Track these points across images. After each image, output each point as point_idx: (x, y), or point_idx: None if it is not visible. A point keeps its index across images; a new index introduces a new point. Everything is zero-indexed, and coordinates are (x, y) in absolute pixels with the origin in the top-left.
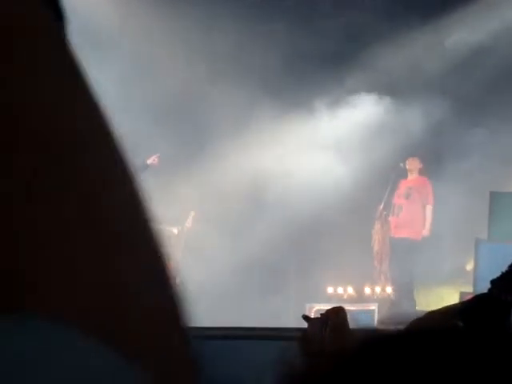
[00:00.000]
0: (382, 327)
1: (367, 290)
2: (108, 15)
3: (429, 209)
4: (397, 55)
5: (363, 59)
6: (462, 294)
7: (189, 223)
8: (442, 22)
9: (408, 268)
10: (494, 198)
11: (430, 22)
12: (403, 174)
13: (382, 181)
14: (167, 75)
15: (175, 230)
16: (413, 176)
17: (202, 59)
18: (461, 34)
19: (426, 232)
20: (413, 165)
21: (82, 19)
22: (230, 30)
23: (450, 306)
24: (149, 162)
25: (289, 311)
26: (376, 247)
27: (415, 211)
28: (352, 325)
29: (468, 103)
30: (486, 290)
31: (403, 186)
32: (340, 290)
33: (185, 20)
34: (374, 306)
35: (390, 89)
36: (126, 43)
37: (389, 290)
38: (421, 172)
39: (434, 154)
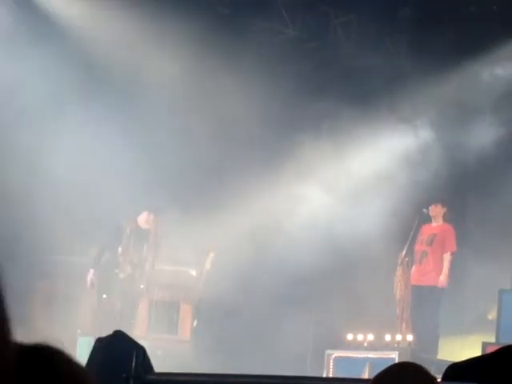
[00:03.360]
0: None
1: (387, 338)
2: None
3: (447, 257)
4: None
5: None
6: (484, 344)
7: (208, 265)
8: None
9: (430, 316)
10: None
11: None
12: (427, 219)
13: (406, 227)
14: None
15: (194, 272)
16: (437, 222)
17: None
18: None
19: (443, 280)
20: (435, 211)
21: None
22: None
23: (476, 357)
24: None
25: (307, 357)
26: (398, 294)
27: (438, 259)
28: (371, 373)
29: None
30: (509, 340)
31: (426, 233)
32: (360, 337)
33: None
34: (394, 355)
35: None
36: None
37: (410, 337)
38: (445, 218)
39: (459, 200)
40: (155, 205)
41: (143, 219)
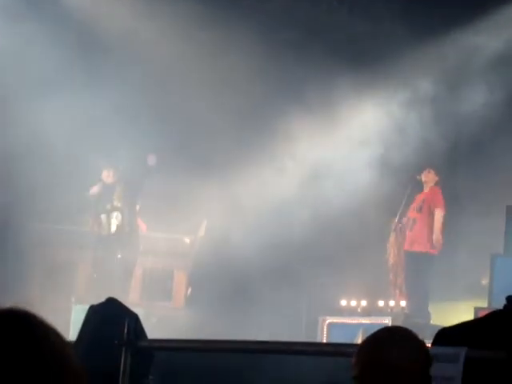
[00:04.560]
0: None
1: (381, 303)
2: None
3: (438, 213)
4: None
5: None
6: (476, 309)
7: (201, 232)
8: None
9: (423, 282)
10: (510, 211)
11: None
12: (419, 186)
13: (400, 193)
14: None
15: (187, 239)
16: (428, 189)
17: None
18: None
19: (435, 239)
20: (429, 177)
21: None
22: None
23: (466, 322)
24: (149, 162)
25: (301, 323)
26: (391, 260)
27: (428, 224)
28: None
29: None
30: (501, 305)
31: (418, 199)
32: (353, 303)
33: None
34: (387, 320)
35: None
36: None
37: (403, 303)
38: (436, 184)
39: (451, 166)
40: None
41: (104, 175)
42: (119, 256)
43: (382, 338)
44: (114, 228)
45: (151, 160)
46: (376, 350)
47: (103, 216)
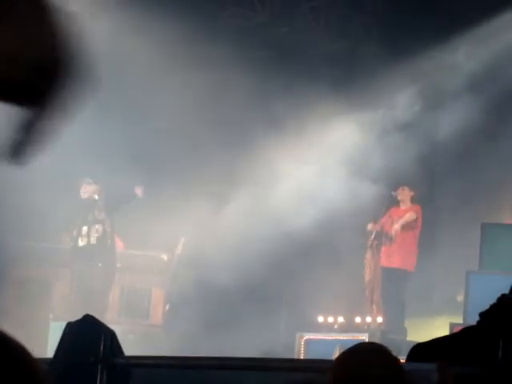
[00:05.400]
0: None
1: (358, 320)
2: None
3: (414, 232)
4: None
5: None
6: (451, 325)
7: (179, 249)
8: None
9: (399, 298)
10: (485, 229)
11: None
12: (395, 202)
13: (376, 210)
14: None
15: (165, 257)
16: (405, 205)
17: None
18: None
19: (394, 229)
20: (403, 194)
21: None
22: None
23: (439, 338)
24: (136, 191)
25: (278, 340)
26: (367, 276)
27: (406, 241)
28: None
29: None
30: (475, 322)
31: (395, 215)
32: (330, 320)
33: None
34: (364, 336)
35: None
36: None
37: (379, 319)
38: (413, 201)
39: (428, 182)
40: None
41: (84, 190)
42: (100, 265)
43: (357, 354)
44: (93, 240)
45: (139, 191)
46: (351, 365)
47: (85, 228)
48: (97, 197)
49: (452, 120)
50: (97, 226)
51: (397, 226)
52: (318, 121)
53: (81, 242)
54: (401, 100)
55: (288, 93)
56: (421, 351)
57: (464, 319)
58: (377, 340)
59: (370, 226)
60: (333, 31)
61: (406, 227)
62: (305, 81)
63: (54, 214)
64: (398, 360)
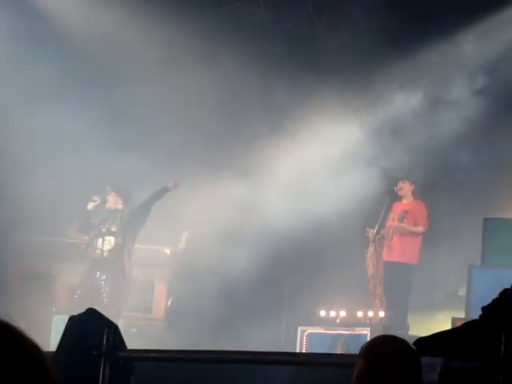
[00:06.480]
0: None
1: (360, 314)
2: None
3: (419, 228)
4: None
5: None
6: (453, 320)
7: (182, 243)
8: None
9: (402, 293)
10: (488, 223)
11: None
12: (397, 197)
13: (379, 204)
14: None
15: (168, 251)
16: (407, 199)
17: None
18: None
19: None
20: (404, 188)
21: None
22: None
23: (442, 332)
24: (169, 185)
25: (280, 334)
26: (370, 271)
27: (409, 235)
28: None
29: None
30: (478, 316)
31: (397, 210)
32: (332, 314)
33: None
34: (366, 331)
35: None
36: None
37: (381, 314)
38: (414, 195)
39: (429, 176)
40: (120, 184)
41: (110, 200)
42: (105, 277)
43: (384, 347)
44: (106, 253)
45: (173, 184)
46: (382, 356)
47: (100, 240)
48: (120, 207)
49: (454, 114)
50: (109, 238)
51: (401, 225)
52: (321, 116)
53: (99, 252)
54: (403, 95)
55: (291, 88)
56: (423, 345)
57: (466, 314)
58: (379, 335)
59: (368, 230)
60: (336, 26)
61: (409, 234)
62: (308, 76)
63: (57, 207)
64: (419, 355)
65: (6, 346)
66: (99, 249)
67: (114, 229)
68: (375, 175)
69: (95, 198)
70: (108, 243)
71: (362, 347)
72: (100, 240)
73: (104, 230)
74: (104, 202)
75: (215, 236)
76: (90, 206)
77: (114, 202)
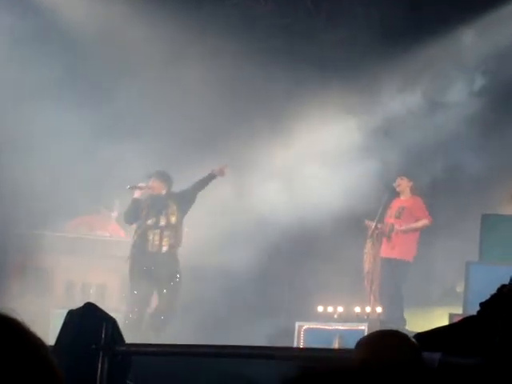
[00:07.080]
0: None
1: (357, 310)
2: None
3: (422, 222)
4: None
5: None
6: (451, 316)
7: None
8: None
9: (398, 289)
10: (486, 219)
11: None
12: (395, 193)
13: (377, 201)
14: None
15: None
16: (405, 196)
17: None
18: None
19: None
20: (402, 185)
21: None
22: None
23: (439, 327)
24: (216, 172)
25: (278, 329)
26: (367, 267)
27: (407, 231)
28: (341, 345)
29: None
30: (475, 312)
31: (396, 206)
32: (330, 309)
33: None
34: (363, 326)
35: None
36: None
37: (379, 309)
38: (413, 191)
39: (427, 173)
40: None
41: (153, 185)
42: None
43: (384, 338)
44: (165, 248)
45: (219, 171)
46: (381, 348)
47: (155, 231)
48: (164, 192)
49: (452, 111)
50: (168, 233)
51: (403, 228)
52: (319, 112)
53: (150, 247)
54: (402, 91)
55: (289, 83)
56: (421, 340)
57: (464, 309)
58: (376, 330)
59: (368, 222)
60: (335, 21)
61: (408, 221)
62: (306, 71)
63: (57, 201)
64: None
65: (9, 340)
66: (157, 243)
67: (173, 221)
68: (373, 172)
69: (141, 185)
70: (168, 238)
71: (359, 341)
72: (158, 232)
73: (163, 223)
74: (148, 188)
75: (213, 232)
76: (137, 194)
77: (158, 188)
